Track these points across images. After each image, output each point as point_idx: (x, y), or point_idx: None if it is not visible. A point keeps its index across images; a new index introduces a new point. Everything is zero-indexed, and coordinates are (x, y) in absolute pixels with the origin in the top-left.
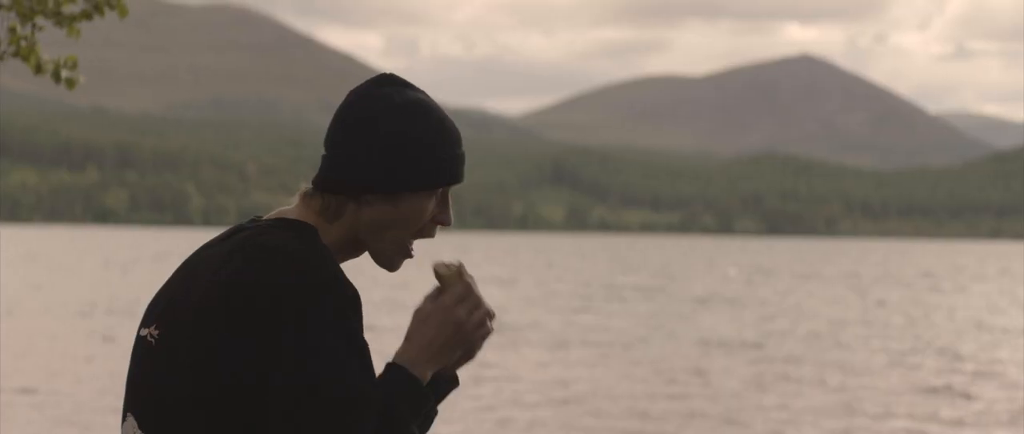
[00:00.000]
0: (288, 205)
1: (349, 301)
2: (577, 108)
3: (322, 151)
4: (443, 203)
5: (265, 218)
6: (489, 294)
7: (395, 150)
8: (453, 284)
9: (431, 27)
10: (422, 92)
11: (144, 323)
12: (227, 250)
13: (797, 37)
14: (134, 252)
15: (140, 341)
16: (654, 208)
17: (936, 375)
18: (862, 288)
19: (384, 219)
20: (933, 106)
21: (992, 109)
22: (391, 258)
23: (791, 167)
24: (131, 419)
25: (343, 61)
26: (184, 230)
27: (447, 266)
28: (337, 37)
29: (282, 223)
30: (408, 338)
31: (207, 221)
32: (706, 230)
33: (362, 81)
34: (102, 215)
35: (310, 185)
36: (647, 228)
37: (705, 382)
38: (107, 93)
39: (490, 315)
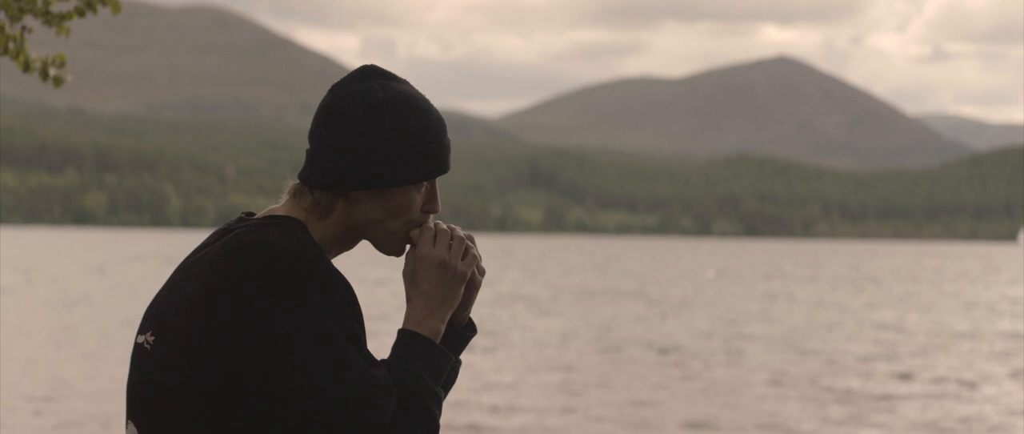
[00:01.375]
0: (277, 203)
1: (341, 293)
2: (554, 110)
3: (306, 146)
4: (431, 193)
5: (255, 216)
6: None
7: (382, 147)
8: (423, 233)
9: (408, 29)
10: (404, 82)
11: (140, 330)
12: (217, 251)
13: (774, 39)
14: (114, 253)
15: (137, 348)
16: (631, 210)
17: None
18: (805, 289)
19: (375, 214)
20: (911, 108)
21: (969, 111)
22: (390, 246)
23: (768, 169)
24: (132, 427)
25: (321, 63)
26: (163, 232)
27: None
28: (315, 39)
29: (271, 220)
30: (407, 301)
31: (186, 223)
32: (683, 232)
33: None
34: (81, 217)
35: (296, 181)
36: (624, 230)
37: (605, 385)
38: (85, 94)
39: (470, 239)
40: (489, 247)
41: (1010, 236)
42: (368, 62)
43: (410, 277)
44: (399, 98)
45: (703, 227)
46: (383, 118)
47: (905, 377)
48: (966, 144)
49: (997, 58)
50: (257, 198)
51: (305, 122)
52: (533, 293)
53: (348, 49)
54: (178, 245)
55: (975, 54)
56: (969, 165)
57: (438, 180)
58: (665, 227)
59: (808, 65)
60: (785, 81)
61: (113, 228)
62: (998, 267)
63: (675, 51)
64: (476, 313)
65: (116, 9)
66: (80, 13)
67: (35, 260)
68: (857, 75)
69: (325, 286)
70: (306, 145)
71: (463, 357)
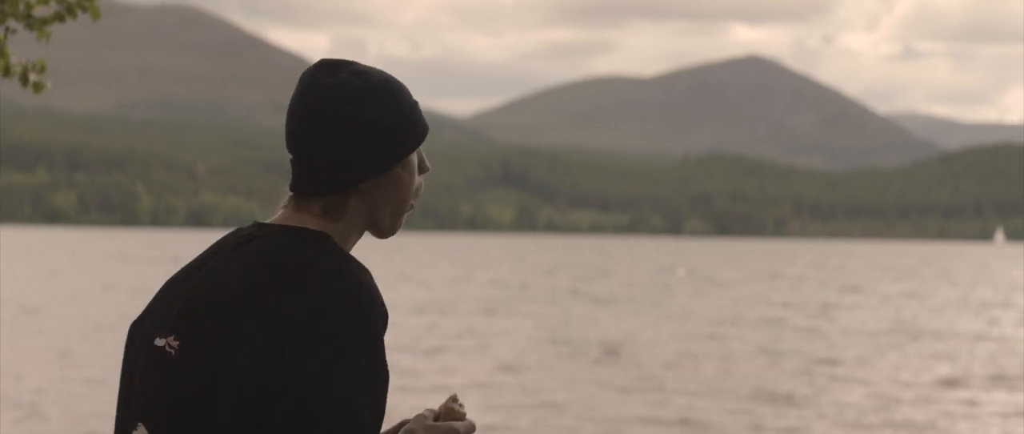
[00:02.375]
0: (275, 215)
1: (383, 322)
2: (525, 109)
3: (285, 153)
4: (420, 154)
5: (274, 225)
6: (406, 294)
7: (383, 132)
8: (465, 420)
9: (378, 28)
10: (356, 63)
11: (156, 331)
12: (255, 261)
13: (745, 38)
14: (84, 251)
15: (154, 350)
16: (603, 209)
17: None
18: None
19: (386, 195)
20: (882, 107)
21: (940, 110)
22: (393, 226)
23: (740, 168)
24: (142, 429)
25: (292, 61)
26: (133, 230)
27: (461, 405)
28: (285, 38)
29: (301, 233)
30: None
31: (156, 221)
32: (655, 231)
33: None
34: (51, 216)
35: (290, 191)
36: (596, 229)
37: (520, 383)
38: (56, 93)
39: None
40: (459, 246)
41: (981, 235)
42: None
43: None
44: (372, 78)
45: (674, 226)
46: (373, 103)
47: (843, 379)
48: (937, 143)
49: (968, 57)
50: (228, 196)
51: (276, 121)
52: (489, 293)
53: (318, 48)
54: (148, 243)
55: (946, 53)
56: (940, 164)
57: None
58: (636, 226)
59: (779, 64)
60: (756, 80)
61: (84, 227)
62: (972, 267)
63: (645, 50)
64: (425, 316)
65: (95, 15)
66: (60, 18)
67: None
68: (828, 74)
69: (375, 311)
70: (280, 151)
71: (409, 361)
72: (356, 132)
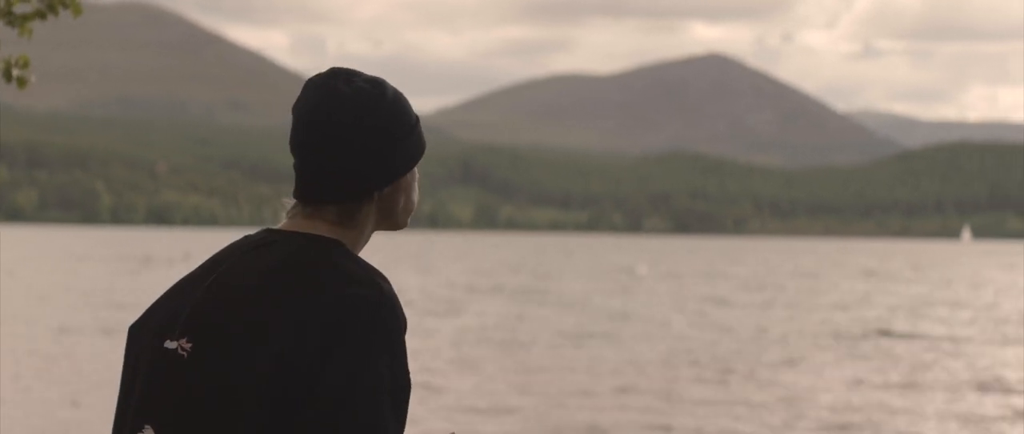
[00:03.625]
0: (281, 221)
1: (404, 328)
2: (485, 107)
3: (297, 163)
4: None
5: (286, 231)
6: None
7: (398, 141)
8: None
9: (337, 25)
10: (361, 72)
11: (164, 334)
12: (273, 267)
13: (703, 36)
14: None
15: (164, 353)
16: (563, 207)
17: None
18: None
19: (397, 199)
20: (841, 105)
21: (900, 108)
22: (401, 222)
23: (699, 166)
24: (149, 431)
25: (252, 59)
26: (93, 228)
27: None
28: (245, 35)
29: (317, 240)
30: None
31: (116, 219)
32: (615, 229)
33: (272, 79)
34: (12, 213)
35: (297, 199)
36: (556, 227)
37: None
38: (16, 91)
39: None
40: (419, 244)
41: (942, 233)
42: (299, 59)
43: None
44: (385, 87)
45: (634, 224)
46: (389, 112)
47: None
48: (897, 141)
49: (927, 55)
50: (188, 195)
51: (236, 119)
52: (440, 292)
53: (278, 45)
54: (110, 241)
55: (905, 51)
56: (900, 162)
57: None
58: (596, 224)
59: (739, 62)
60: (716, 78)
61: (44, 225)
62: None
63: (605, 48)
64: None
65: (77, 12)
66: (42, 16)
67: None
68: (787, 72)
69: (399, 321)
70: (240, 149)
71: None
72: (375, 142)
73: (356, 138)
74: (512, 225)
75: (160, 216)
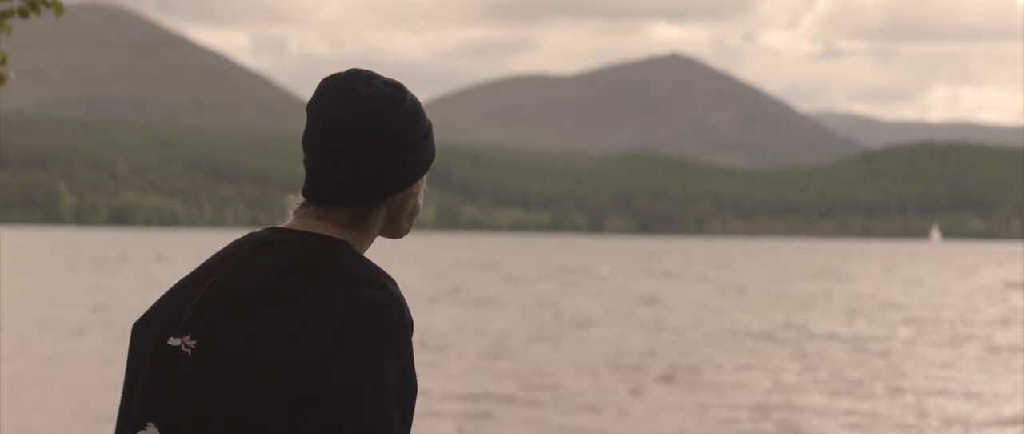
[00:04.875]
0: (285, 221)
1: (411, 330)
2: (446, 108)
3: (309, 163)
4: None
5: (293, 230)
6: None
7: (415, 145)
8: None
9: (298, 26)
10: (378, 74)
11: (168, 331)
12: (280, 265)
13: (664, 36)
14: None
15: (168, 350)
16: (525, 207)
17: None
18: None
19: (407, 204)
20: (803, 105)
21: (862, 108)
22: (403, 229)
23: (661, 166)
24: (153, 429)
25: (213, 59)
26: (55, 229)
27: None
28: (206, 36)
29: (325, 240)
30: None
31: (79, 220)
32: (577, 229)
33: (234, 80)
34: None
35: (306, 198)
36: (518, 227)
37: None
38: None
39: None
40: (379, 245)
41: (903, 233)
42: (260, 59)
43: None
44: (404, 90)
45: (596, 224)
46: (407, 116)
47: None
48: (859, 141)
49: (889, 55)
50: (150, 195)
51: (198, 119)
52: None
53: (239, 46)
54: (72, 241)
55: (867, 51)
56: (862, 162)
57: None
58: (559, 224)
59: (700, 62)
60: (677, 79)
61: (5, 225)
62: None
63: (566, 48)
64: None
65: (59, 11)
66: (23, 13)
67: None
68: (749, 72)
69: (408, 323)
70: (202, 149)
71: None
72: (394, 146)
73: (376, 142)
74: (474, 226)
75: (122, 217)
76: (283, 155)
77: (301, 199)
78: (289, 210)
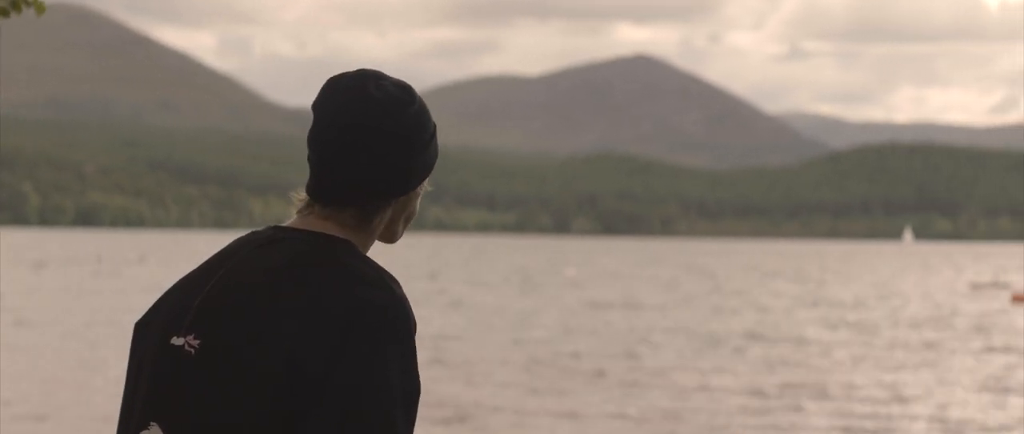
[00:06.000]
0: (290, 219)
1: (414, 331)
2: None
3: (316, 162)
4: None
5: (296, 229)
6: None
7: (424, 146)
8: None
9: (263, 26)
10: (396, 79)
11: (171, 330)
12: (284, 264)
13: (630, 37)
14: None
15: (171, 349)
16: (490, 208)
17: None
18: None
19: (409, 206)
20: (769, 106)
21: (827, 109)
22: (398, 233)
23: (627, 167)
24: (156, 428)
25: (179, 60)
26: (21, 230)
27: None
28: (172, 36)
29: (329, 239)
30: None
31: (44, 221)
32: (542, 230)
33: (200, 80)
34: None
35: (310, 196)
36: (483, 228)
37: None
38: None
39: None
40: None
41: (870, 234)
42: (225, 59)
43: None
44: (413, 92)
45: (562, 225)
46: (417, 117)
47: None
48: (824, 142)
49: (855, 56)
50: (115, 196)
51: (163, 120)
52: None
53: (205, 46)
54: (38, 242)
55: (832, 52)
56: (828, 163)
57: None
58: (524, 225)
59: (666, 63)
60: (643, 79)
61: None
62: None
63: (531, 49)
64: None
65: (40, 10)
66: (4, 13)
67: None
68: (715, 73)
69: (411, 322)
70: (167, 150)
71: None
72: (403, 148)
73: (386, 144)
74: (440, 227)
75: (88, 217)
76: (248, 156)
77: (304, 196)
78: (294, 206)
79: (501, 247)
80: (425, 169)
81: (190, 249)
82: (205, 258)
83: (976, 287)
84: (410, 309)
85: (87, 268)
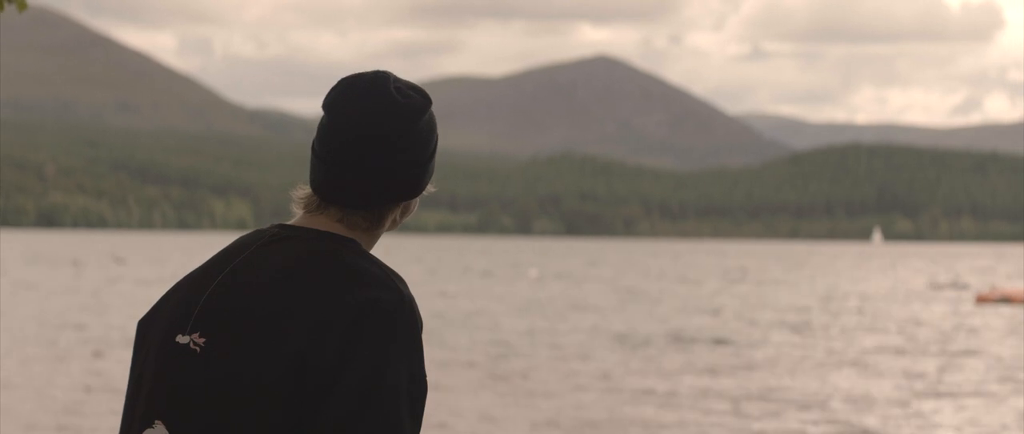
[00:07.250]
0: (295, 216)
1: (421, 331)
2: None
3: (326, 162)
4: None
5: (301, 228)
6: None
7: (432, 151)
8: None
9: (223, 26)
10: (409, 82)
11: (176, 329)
12: (291, 263)
13: (591, 38)
14: None
15: (176, 347)
16: (452, 209)
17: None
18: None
19: (409, 210)
20: (730, 107)
21: (788, 110)
22: (391, 227)
23: (589, 168)
24: (160, 426)
25: (140, 61)
26: None
27: None
28: (132, 37)
29: (335, 239)
30: None
31: (5, 222)
32: (504, 231)
33: (160, 81)
34: None
35: (319, 197)
36: (445, 229)
37: None
38: None
39: None
40: None
41: (832, 235)
42: (186, 59)
43: None
44: (429, 99)
45: (523, 226)
46: (429, 122)
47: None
48: (786, 143)
49: (815, 57)
50: (76, 196)
51: (124, 120)
52: None
53: (165, 47)
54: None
55: (793, 53)
56: (789, 164)
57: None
58: (485, 226)
59: (627, 64)
60: (604, 80)
61: None
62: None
63: (493, 50)
64: None
65: (21, 7)
66: None
67: None
68: (676, 74)
69: (419, 321)
70: (129, 151)
71: None
72: (417, 153)
73: (410, 151)
74: (401, 227)
75: (49, 218)
76: (210, 156)
77: (305, 193)
78: (294, 202)
79: (464, 248)
80: (431, 173)
81: (162, 249)
82: (188, 258)
83: (936, 287)
84: (416, 309)
85: (65, 271)
